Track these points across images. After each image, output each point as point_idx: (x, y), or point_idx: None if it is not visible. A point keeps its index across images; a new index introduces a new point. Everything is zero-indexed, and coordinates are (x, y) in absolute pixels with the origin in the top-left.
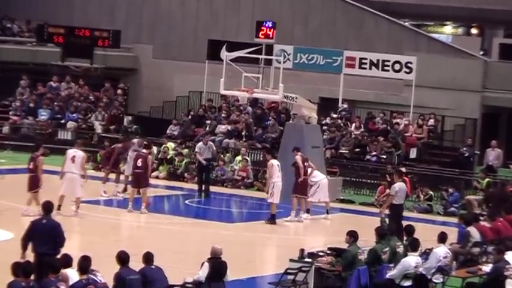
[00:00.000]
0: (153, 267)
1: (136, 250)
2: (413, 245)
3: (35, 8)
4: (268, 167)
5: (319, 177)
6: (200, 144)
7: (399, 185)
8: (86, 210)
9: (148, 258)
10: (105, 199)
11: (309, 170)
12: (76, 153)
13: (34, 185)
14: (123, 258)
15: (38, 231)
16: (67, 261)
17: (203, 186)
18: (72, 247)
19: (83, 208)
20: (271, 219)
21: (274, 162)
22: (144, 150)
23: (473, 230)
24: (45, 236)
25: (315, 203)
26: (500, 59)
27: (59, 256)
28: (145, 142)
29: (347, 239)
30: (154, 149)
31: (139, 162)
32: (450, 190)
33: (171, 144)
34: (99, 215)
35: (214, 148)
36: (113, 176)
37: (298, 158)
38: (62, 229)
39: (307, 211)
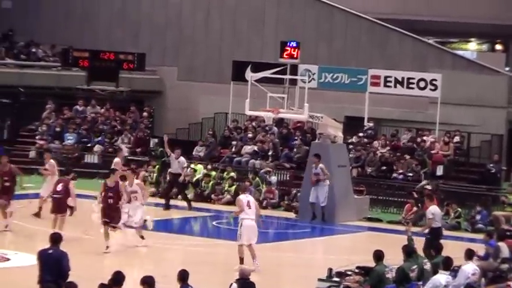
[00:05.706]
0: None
1: (165, 272)
2: (446, 264)
3: (60, 32)
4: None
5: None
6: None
7: (433, 208)
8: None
9: (183, 276)
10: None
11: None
12: None
13: (62, 208)
14: (149, 282)
15: (43, 261)
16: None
17: None
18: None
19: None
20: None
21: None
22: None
23: (503, 246)
24: (50, 266)
25: None
26: None
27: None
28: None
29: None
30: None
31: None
32: (478, 208)
33: (200, 167)
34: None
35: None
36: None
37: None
38: (67, 260)
39: None
